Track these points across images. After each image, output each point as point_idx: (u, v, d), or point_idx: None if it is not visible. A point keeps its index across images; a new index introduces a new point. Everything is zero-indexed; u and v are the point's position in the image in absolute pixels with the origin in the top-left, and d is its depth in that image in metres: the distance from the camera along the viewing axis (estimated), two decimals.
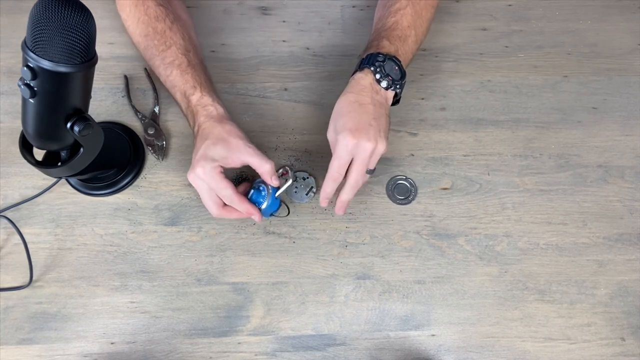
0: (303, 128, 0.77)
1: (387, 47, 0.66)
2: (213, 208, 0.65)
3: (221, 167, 0.63)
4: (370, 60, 0.65)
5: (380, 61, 0.64)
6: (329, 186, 0.64)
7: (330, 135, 0.64)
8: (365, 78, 0.64)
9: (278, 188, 0.66)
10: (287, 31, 0.83)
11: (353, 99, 0.63)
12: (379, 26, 0.71)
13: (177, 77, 0.68)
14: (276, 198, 0.67)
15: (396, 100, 0.68)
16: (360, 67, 0.65)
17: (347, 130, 0.61)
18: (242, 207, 0.64)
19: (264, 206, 0.66)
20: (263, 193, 0.66)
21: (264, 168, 0.63)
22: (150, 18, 0.70)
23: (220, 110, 0.67)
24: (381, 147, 0.62)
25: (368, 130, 0.61)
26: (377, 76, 0.64)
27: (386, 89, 0.65)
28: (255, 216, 0.66)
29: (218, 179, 0.62)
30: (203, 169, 0.62)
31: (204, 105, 0.67)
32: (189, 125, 0.69)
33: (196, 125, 0.66)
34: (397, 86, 0.65)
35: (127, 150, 0.74)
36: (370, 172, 0.65)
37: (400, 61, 0.66)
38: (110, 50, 0.80)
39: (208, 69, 0.75)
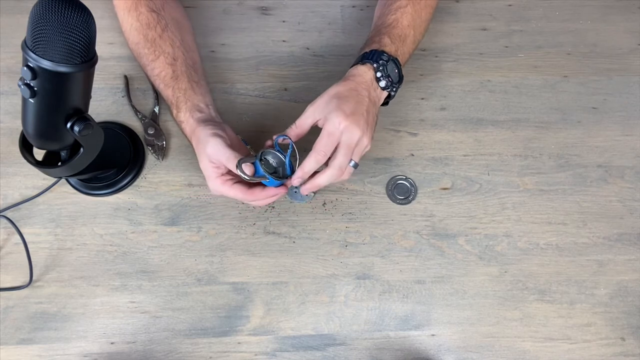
0: None
1: (389, 45, 0.67)
2: (251, 201, 0.64)
3: (221, 174, 0.63)
4: (374, 56, 0.65)
5: (385, 60, 0.64)
6: (310, 164, 0.61)
7: (315, 109, 0.62)
8: (367, 73, 0.64)
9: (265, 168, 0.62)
10: (287, 31, 0.83)
11: (353, 86, 0.63)
12: (379, 23, 0.71)
13: (162, 90, 0.71)
14: (266, 176, 0.62)
15: (385, 102, 0.69)
16: (363, 61, 0.65)
17: (342, 110, 0.60)
18: (257, 197, 0.63)
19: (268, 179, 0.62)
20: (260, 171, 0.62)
21: (230, 164, 0.61)
22: (142, 25, 0.71)
23: (192, 122, 0.67)
24: (365, 141, 0.62)
25: (359, 119, 0.61)
26: (378, 74, 0.64)
27: (383, 89, 0.65)
28: (281, 191, 0.64)
29: (223, 190, 0.63)
30: (210, 185, 0.64)
31: (180, 122, 0.69)
32: None
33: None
34: (394, 89, 0.66)
35: (127, 150, 0.74)
36: (355, 166, 0.64)
37: (400, 64, 0.66)
38: (110, 50, 0.80)
39: (205, 70, 0.75)
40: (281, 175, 0.64)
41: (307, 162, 0.61)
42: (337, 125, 0.60)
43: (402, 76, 0.67)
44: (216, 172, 0.63)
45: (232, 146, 0.63)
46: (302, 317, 0.69)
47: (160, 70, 0.70)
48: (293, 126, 0.64)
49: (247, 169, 0.60)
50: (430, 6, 0.74)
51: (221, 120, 0.71)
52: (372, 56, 0.65)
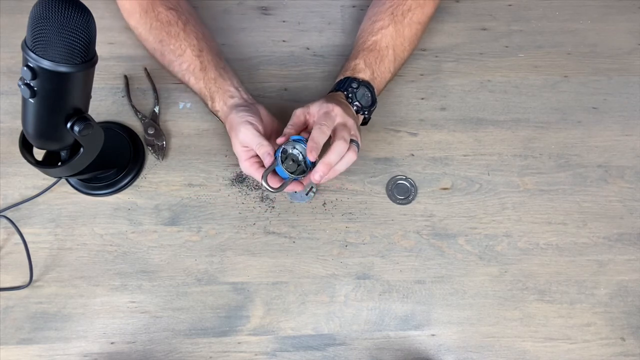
0: None
1: (362, 71, 0.70)
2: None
3: (251, 156, 0.65)
4: (345, 85, 0.69)
5: (354, 87, 0.68)
6: (317, 135, 0.60)
7: (304, 108, 0.65)
8: (342, 96, 0.68)
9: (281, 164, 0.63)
10: (287, 31, 0.83)
11: (337, 99, 0.67)
12: (360, 42, 0.74)
13: (193, 84, 0.72)
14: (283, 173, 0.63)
15: (363, 123, 0.72)
16: (336, 89, 0.69)
17: (332, 102, 0.64)
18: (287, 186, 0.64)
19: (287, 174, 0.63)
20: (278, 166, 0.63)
21: (259, 151, 0.63)
22: (163, 23, 0.72)
23: (225, 109, 0.69)
24: (353, 130, 0.64)
25: (349, 111, 0.66)
26: (349, 101, 0.68)
27: (355, 112, 0.69)
28: (298, 187, 0.65)
29: (251, 172, 0.65)
30: (241, 165, 0.66)
31: (216, 111, 0.71)
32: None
33: None
34: (366, 112, 0.69)
35: (127, 150, 0.74)
36: (357, 145, 0.64)
37: (373, 88, 0.70)
38: (110, 50, 0.80)
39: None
40: (304, 168, 0.64)
41: (313, 133, 0.60)
42: (331, 108, 0.63)
43: (376, 100, 0.70)
44: (247, 154, 0.65)
45: (264, 127, 0.67)
46: (302, 317, 0.69)
47: (189, 64, 0.71)
48: (290, 126, 0.65)
49: (273, 182, 0.63)
50: (417, 22, 0.74)
51: (254, 101, 0.72)
52: (343, 85, 0.69)
